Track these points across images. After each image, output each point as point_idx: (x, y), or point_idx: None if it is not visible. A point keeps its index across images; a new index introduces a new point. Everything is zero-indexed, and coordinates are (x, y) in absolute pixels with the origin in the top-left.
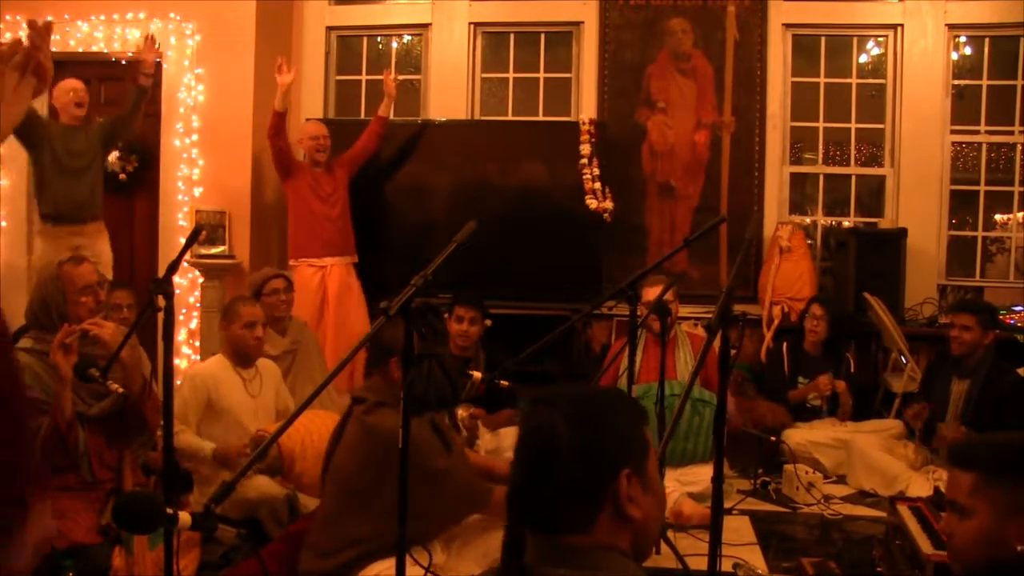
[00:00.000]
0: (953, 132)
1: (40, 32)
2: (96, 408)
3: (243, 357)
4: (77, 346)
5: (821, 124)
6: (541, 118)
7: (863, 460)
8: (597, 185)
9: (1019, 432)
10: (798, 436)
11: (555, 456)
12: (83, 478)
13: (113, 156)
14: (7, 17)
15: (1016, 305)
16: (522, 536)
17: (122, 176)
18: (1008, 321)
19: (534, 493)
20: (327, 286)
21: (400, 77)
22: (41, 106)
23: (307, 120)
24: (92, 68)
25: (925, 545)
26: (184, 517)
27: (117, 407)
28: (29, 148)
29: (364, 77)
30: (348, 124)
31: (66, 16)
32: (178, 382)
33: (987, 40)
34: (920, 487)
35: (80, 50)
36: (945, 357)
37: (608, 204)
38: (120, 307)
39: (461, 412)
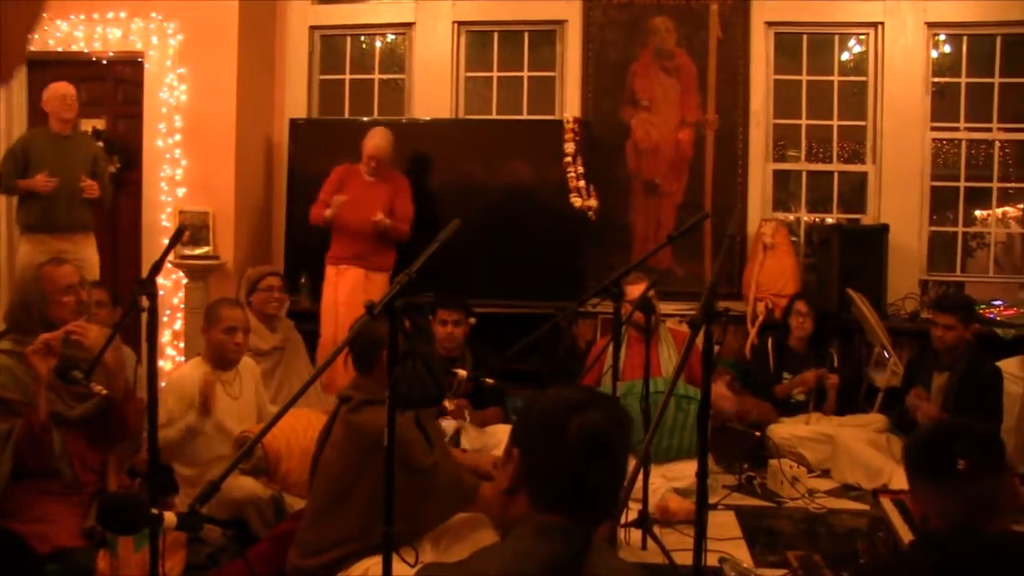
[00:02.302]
0: (933, 129)
1: None
2: (78, 410)
3: (223, 361)
4: (59, 348)
5: (804, 121)
6: (525, 117)
7: (847, 454)
8: (581, 183)
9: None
10: (783, 431)
11: (622, 451)
12: (64, 481)
13: None
14: None
15: (995, 299)
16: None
17: None
18: (987, 315)
19: (612, 483)
20: (339, 289)
21: (384, 76)
22: (20, 109)
23: (375, 130)
24: (72, 68)
25: (907, 536)
26: (169, 517)
27: (100, 409)
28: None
29: (348, 76)
30: (332, 124)
31: (45, 15)
32: (162, 384)
33: (965, 38)
34: (903, 480)
35: (60, 50)
36: (926, 351)
37: (592, 202)
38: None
39: (447, 404)
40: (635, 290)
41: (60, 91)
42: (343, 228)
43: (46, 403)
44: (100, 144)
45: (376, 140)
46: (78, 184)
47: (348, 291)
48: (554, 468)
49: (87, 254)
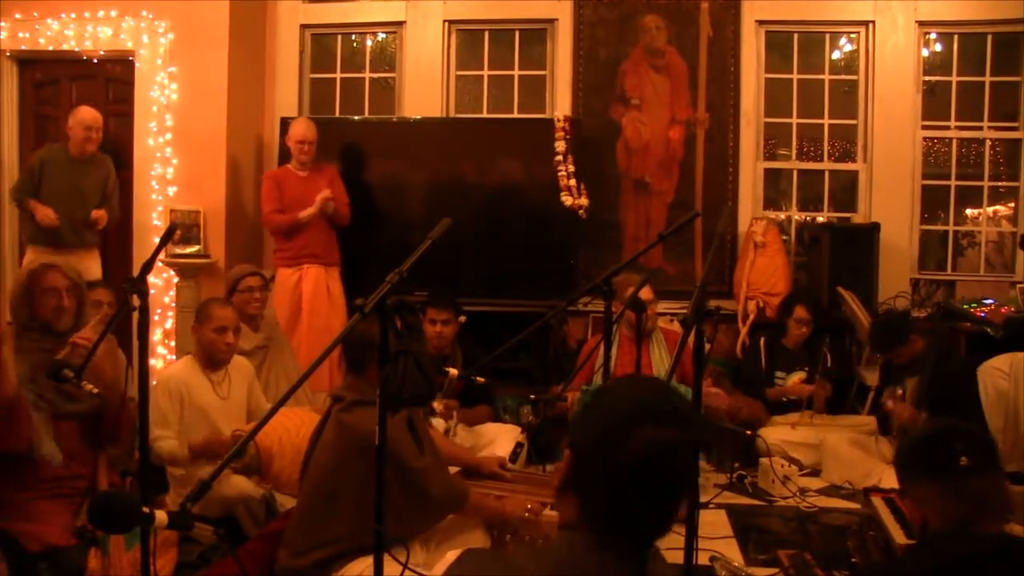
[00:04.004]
0: (924, 128)
1: None
2: (68, 408)
3: (212, 360)
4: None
5: (794, 120)
6: (516, 115)
7: (835, 459)
8: (572, 182)
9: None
10: (772, 436)
11: (687, 470)
12: (53, 469)
13: None
14: None
15: (986, 298)
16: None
17: None
18: (978, 314)
19: (671, 506)
20: (302, 289)
21: (374, 75)
22: (12, 108)
23: (293, 120)
24: (63, 67)
25: (898, 535)
26: (160, 516)
27: (91, 411)
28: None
29: (339, 75)
30: (322, 122)
31: (35, 14)
32: (152, 383)
33: (956, 37)
34: (893, 479)
35: (50, 48)
36: None
37: (583, 200)
38: (101, 303)
39: (436, 405)
40: (644, 292)
41: (85, 121)
42: (300, 226)
43: (13, 373)
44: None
45: (300, 126)
46: (86, 208)
47: (311, 290)
48: (606, 484)
49: (88, 266)
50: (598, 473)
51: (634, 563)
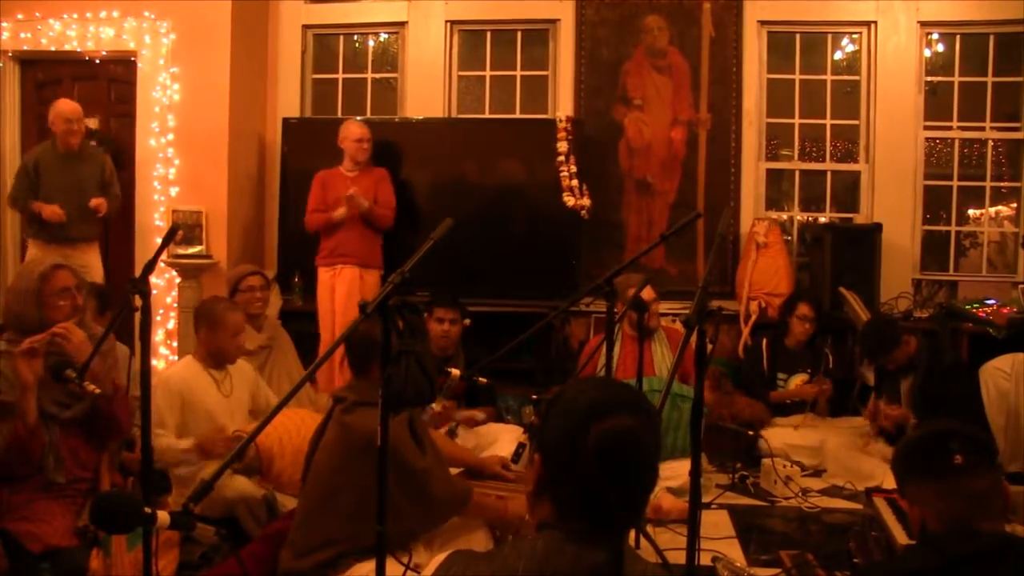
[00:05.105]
0: (926, 128)
1: None
2: (68, 413)
3: (218, 361)
4: (44, 351)
5: (796, 120)
6: (518, 116)
7: (837, 462)
8: (574, 182)
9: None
10: (774, 440)
11: (648, 458)
12: (48, 479)
13: None
14: None
15: (988, 299)
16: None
17: None
18: (980, 315)
19: (637, 495)
20: (336, 288)
21: (376, 75)
22: (13, 107)
23: (349, 120)
24: (65, 67)
25: (900, 535)
26: (162, 516)
27: (90, 411)
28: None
29: (341, 76)
30: (324, 123)
31: (37, 14)
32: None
33: (958, 37)
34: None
35: (53, 49)
36: None
37: (585, 201)
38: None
39: (435, 406)
40: (646, 293)
41: (65, 114)
42: (336, 226)
43: (35, 408)
44: (105, 153)
45: (357, 126)
46: (86, 201)
47: (345, 291)
48: (573, 479)
49: (90, 260)
50: (565, 471)
51: (610, 550)
